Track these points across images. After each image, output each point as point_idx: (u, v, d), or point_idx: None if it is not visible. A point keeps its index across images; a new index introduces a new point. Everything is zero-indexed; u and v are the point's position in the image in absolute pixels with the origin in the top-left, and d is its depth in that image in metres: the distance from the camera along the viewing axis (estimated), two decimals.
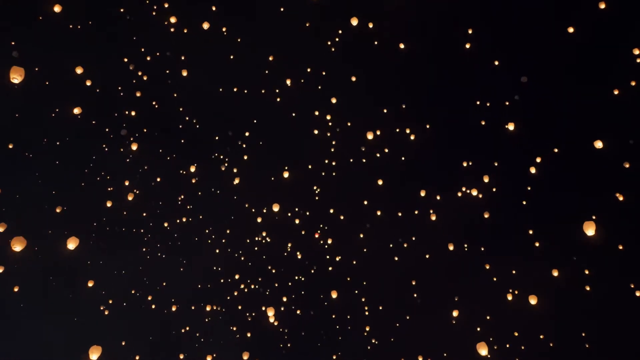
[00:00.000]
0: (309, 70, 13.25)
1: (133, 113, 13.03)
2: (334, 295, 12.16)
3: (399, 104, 13.39)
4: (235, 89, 13.49)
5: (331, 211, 14.19)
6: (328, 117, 13.35)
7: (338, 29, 12.84)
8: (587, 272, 11.80)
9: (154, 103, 13.35)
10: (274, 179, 13.24)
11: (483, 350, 7.89)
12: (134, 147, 11.88)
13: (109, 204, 11.94)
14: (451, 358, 13.19)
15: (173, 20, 11.70)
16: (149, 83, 12.90)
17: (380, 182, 13.07)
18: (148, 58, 12.63)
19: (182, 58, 12.83)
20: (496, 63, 12.74)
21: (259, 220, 13.58)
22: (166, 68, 13.03)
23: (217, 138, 14.06)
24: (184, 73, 12.27)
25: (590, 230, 7.71)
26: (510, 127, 11.30)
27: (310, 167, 14.03)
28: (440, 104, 13.59)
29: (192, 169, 13.16)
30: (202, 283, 14.12)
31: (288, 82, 12.54)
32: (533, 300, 9.91)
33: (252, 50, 13.03)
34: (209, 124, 13.94)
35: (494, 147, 12.63)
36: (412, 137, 13.00)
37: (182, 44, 12.66)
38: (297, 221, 13.76)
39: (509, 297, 11.44)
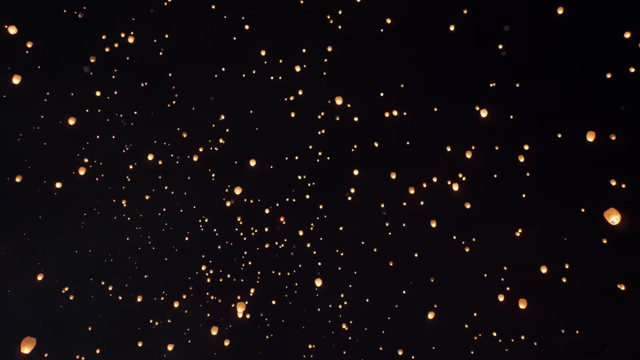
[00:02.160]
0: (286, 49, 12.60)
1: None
2: (318, 283, 11.56)
3: (380, 87, 12.86)
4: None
5: (307, 197, 13.61)
6: (300, 93, 12.68)
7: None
8: (567, 266, 11.54)
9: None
10: (246, 164, 12.49)
11: None
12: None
13: (58, 186, 10.98)
14: (434, 351, 12.81)
15: None
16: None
17: (356, 172, 12.57)
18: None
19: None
20: (483, 46, 12.40)
21: (228, 205, 12.88)
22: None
23: (187, 114, 13.29)
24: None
25: (614, 217, 6.72)
26: (484, 113, 10.90)
27: (286, 153, 13.49)
28: (424, 89, 13.08)
29: (154, 155, 12.33)
30: (168, 272, 13.40)
31: (263, 52, 11.80)
32: (522, 305, 9.48)
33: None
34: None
35: (479, 134, 12.14)
36: (394, 118, 12.42)
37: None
38: (267, 211, 13.17)
39: (499, 296, 11.06)
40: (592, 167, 10.93)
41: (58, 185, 10.87)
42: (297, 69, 12.20)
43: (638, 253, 10.51)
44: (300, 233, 13.53)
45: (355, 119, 12.84)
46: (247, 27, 12.36)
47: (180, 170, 13.44)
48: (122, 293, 13.11)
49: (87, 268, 13.00)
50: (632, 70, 10.69)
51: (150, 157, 12.35)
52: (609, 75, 10.89)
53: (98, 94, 12.17)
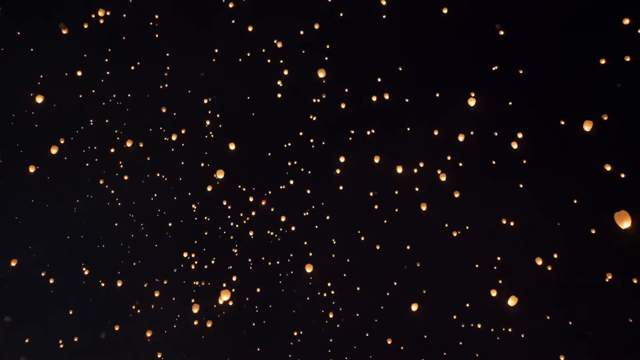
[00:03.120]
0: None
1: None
2: (309, 269, 11.30)
3: (370, 74, 12.57)
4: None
5: (291, 182, 13.35)
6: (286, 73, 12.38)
7: None
8: (556, 255, 11.41)
9: None
10: (233, 149, 12.21)
11: None
12: None
13: (31, 170, 10.60)
14: (423, 341, 12.69)
15: None
16: None
17: (342, 159, 12.31)
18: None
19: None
20: (478, 31, 12.19)
21: (210, 189, 12.59)
22: None
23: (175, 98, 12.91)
24: None
25: (625, 222, 6.27)
26: (471, 102, 10.67)
27: (276, 139, 13.24)
28: (417, 74, 12.84)
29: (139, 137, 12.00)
30: (151, 258, 13.11)
31: (250, 28, 11.47)
32: (512, 301, 9.33)
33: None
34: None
35: (472, 121, 11.91)
36: (385, 102, 12.15)
37: None
38: (250, 198, 12.92)
39: (492, 291, 10.93)
40: (587, 156, 10.75)
41: (32, 169, 10.45)
42: (282, 46, 11.89)
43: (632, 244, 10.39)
44: (288, 219, 13.29)
45: (343, 105, 12.56)
46: (231, 5, 11.96)
47: (167, 154, 13.13)
48: (103, 278, 12.84)
49: (68, 252, 12.74)
50: (627, 59, 10.50)
51: (135, 141, 12.06)
52: (602, 61, 10.70)
53: (79, 73, 11.75)
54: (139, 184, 13.06)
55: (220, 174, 9.96)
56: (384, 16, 12.03)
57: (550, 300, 11.50)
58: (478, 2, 12.22)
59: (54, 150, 10.00)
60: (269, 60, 12.59)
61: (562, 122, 11.11)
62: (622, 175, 9.82)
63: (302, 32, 12.19)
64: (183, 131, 12.72)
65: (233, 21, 12.43)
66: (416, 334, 12.69)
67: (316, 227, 13.59)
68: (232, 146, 11.06)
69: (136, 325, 12.64)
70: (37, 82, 11.76)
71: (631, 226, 6.19)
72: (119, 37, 12.38)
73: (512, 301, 9.43)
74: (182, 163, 13.16)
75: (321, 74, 10.33)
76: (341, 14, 12.36)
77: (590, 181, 10.74)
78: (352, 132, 13.01)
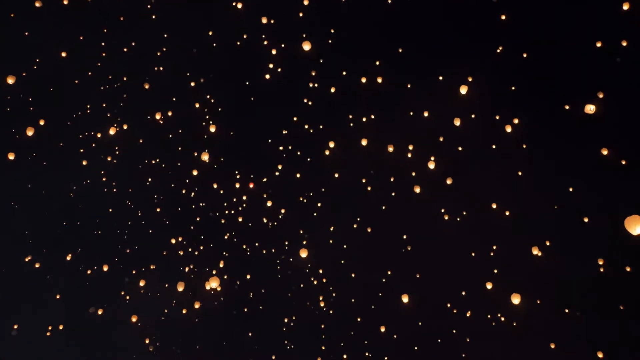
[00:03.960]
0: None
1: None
2: (303, 254, 11.01)
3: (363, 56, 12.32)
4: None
5: (283, 167, 13.16)
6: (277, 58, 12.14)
7: None
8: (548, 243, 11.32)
9: None
10: (222, 133, 12.03)
11: None
12: None
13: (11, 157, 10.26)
14: (416, 329, 12.62)
15: None
16: None
17: (331, 144, 12.13)
18: None
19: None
20: (475, 15, 11.99)
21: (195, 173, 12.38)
22: None
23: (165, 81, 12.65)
24: None
25: (637, 228, 5.62)
26: (465, 88, 10.41)
27: (267, 123, 13.13)
28: (413, 58, 12.58)
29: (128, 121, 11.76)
30: (141, 243, 12.93)
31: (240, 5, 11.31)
32: (516, 300, 9.19)
33: None
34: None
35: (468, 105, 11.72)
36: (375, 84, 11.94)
37: None
38: (238, 185, 12.75)
39: (489, 286, 10.83)
40: (583, 141, 10.61)
41: (11, 157, 10.14)
42: (274, 28, 11.64)
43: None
44: (279, 205, 13.14)
45: (333, 89, 12.34)
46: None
47: (157, 139, 12.91)
48: (90, 263, 12.66)
49: (54, 237, 12.54)
50: (624, 43, 10.35)
51: (123, 125, 11.78)
52: (599, 44, 10.53)
53: (64, 54, 11.44)
54: (130, 169, 12.85)
55: (205, 156, 9.68)
56: None
57: (544, 288, 11.43)
58: None
59: (30, 132, 9.63)
60: (262, 42, 12.34)
61: (561, 107, 10.94)
62: (623, 162, 9.70)
63: (297, 14, 11.95)
64: (172, 114, 12.47)
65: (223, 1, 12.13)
66: (410, 322, 12.62)
67: (310, 212, 13.44)
68: (212, 128, 10.83)
69: (125, 310, 12.49)
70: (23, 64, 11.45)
71: None
72: (113, 19, 12.10)
73: (516, 299, 9.29)
74: (177, 149, 12.95)
75: (306, 46, 10.01)
76: None
77: (587, 169, 10.63)
78: (347, 116, 12.83)
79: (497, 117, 11.77)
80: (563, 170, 11.30)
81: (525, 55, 11.50)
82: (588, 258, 10.83)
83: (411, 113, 12.34)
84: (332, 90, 12.31)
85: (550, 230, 11.33)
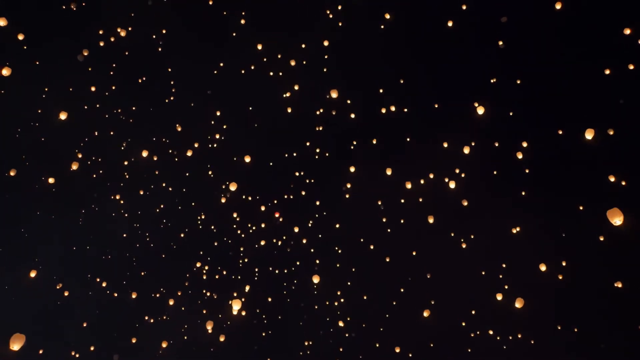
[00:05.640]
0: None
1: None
2: (315, 280, 11.37)
3: (379, 84, 12.77)
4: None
5: (304, 193, 13.53)
6: (296, 90, 12.61)
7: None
8: (564, 263, 11.47)
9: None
10: (242, 160, 12.38)
11: None
12: None
13: (51, 181, 10.82)
14: (431, 348, 12.77)
15: None
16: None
17: (352, 169, 12.46)
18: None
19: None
20: (482, 43, 12.33)
21: (224, 201, 12.80)
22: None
23: (184, 110, 13.19)
24: None
25: (617, 219, 6.58)
26: (481, 110, 10.83)
27: (283, 149, 13.43)
28: (422, 86, 13.00)
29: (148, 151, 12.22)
30: (164, 269, 13.31)
31: (259, 46, 11.72)
32: (519, 303, 9.42)
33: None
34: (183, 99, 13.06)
35: (478, 130, 12.06)
36: (392, 113, 12.33)
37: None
38: (262, 208, 13.09)
39: (497, 295, 10.99)
40: (591, 164, 10.85)
41: (51, 180, 10.69)
42: (293, 63, 12.11)
43: (636, 251, 10.46)
44: (297, 230, 13.43)
45: (352, 115, 12.75)
46: (243, 21, 12.26)
47: (177, 166, 13.33)
48: (117, 289, 13.01)
49: (82, 264, 12.91)
50: (632, 67, 10.63)
51: (145, 153, 12.26)
52: (607, 72, 10.81)
53: (93, 89, 12.04)
54: (150, 196, 13.26)
55: (233, 187, 10.15)
56: (382, 26, 12.25)
57: (555, 306, 11.53)
58: (481, 13, 12.38)
59: (74, 166, 10.26)
60: (278, 73, 12.81)
61: (561, 131, 11.23)
62: (623, 183, 9.92)
63: (310, 46, 12.44)
64: (197, 145, 12.93)
65: (236, 34, 12.69)
66: (424, 342, 12.75)
67: (323, 236, 13.72)
68: (247, 159, 11.26)
69: (149, 337, 12.79)
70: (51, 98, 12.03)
71: (622, 223, 6.34)
72: (129, 50, 12.59)
73: (518, 303, 9.50)
74: (194, 175, 13.35)
75: (334, 94, 10.56)
76: (345, 25, 12.58)
77: (594, 188, 10.81)
78: (358, 142, 13.19)
79: (508, 141, 12.04)
80: (572, 190, 11.49)
81: (516, 82, 11.85)
82: (603, 276, 10.93)
83: (422, 139, 12.69)
84: (351, 116, 12.70)
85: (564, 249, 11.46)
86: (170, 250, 13.62)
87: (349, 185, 13.11)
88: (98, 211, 13.04)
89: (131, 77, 12.86)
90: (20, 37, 10.04)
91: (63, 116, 9.38)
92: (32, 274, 10.44)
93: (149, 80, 13.00)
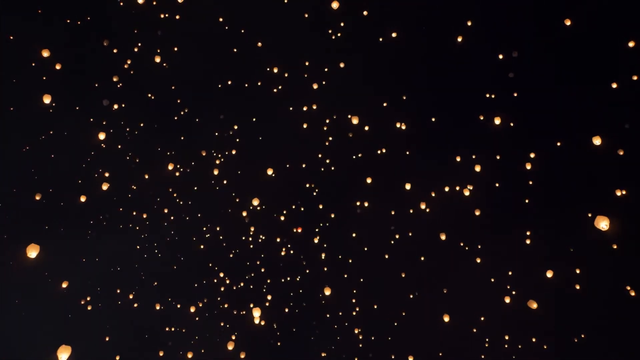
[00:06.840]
0: (299, 61, 12.88)
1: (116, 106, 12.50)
2: (327, 292, 11.67)
3: (387, 97, 13.11)
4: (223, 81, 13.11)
5: (320, 207, 13.80)
6: (314, 108, 12.95)
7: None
8: (578, 271, 11.60)
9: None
10: (260, 174, 12.72)
11: None
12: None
13: (82, 199, 11.22)
14: (443, 357, 12.93)
15: None
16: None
17: (369, 180, 12.76)
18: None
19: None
20: (490, 56, 12.58)
21: (244, 214, 13.12)
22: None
23: (205, 131, 13.59)
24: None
25: (603, 223, 6.96)
26: (497, 121, 11.10)
27: (299, 162, 13.69)
28: (431, 98, 13.31)
29: (173, 165, 12.59)
30: (187, 280, 13.61)
31: (275, 70, 12.15)
32: (533, 305, 9.60)
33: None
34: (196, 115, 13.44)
35: (488, 142, 12.33)
36: (403, 128, 12.65)
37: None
38: (282, 218, 13.35)
39: (507, 300, 11.16)
40: (598, 173, 11.04)
41: (82, 199, 11.09)
42: (305, 76, 12.47)
43: None
44: (312, 240, 13.68)
45: (366, 128, 13.06)
46: (259, 44, 12.65)
47: (191, 180, 13.65)
48: (138, 302, 13.27)
49: (102, 277, 13.19)
50: (635, 78, 10.87)
51: (161, 167, 12.57)
52: (614, 85, 11.03)
53: (116, 107, 12.47)
54: (170, 210, 13.60)
55: (255, 201, 10.47)
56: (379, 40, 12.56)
57: (566, 314, 11.64)
58: (489, 28, 12.66)
59: (104, 187, 10.72)
60: (288, 89, 13.17)
61: (573, 141, 11.44)
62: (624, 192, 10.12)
63: (321, 62, 12.80)
64: (211, 159, 13.28)
65: (254, 53, 13.09)
66: (436, 350, 12.89)
67: (337, 247, 13.98)
68: (269, 171, 11.61)
69: (169, 348, 13.05)
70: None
71: (608, 227, 6.62)
72: (144, 69, 13.02)
73: (531, 304, 9.67)
74: (208, 188, 13.64)
75: (355, 120, 10.91)
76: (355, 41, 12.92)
77: (603, 196, 10.97)
78: (370, 155, 13.47)
79: (518, 151, 12.25)
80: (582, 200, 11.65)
81: (523, 94, 12.11)
82: (615, 284, 11.04)
83: (432, 151, 12.98)
84: (365, 128, 13.02)
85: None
86: (187, 263, 13.89)
87: (361, 198, 13.38)
88: (118, 225, 13.37)
89: (145, 95, 13.25)
90: (58, 66, 10.57)
91: (102, 136, 9.91)
92: (64, 285, 10.78)
93: (162, 97, 13.33)
